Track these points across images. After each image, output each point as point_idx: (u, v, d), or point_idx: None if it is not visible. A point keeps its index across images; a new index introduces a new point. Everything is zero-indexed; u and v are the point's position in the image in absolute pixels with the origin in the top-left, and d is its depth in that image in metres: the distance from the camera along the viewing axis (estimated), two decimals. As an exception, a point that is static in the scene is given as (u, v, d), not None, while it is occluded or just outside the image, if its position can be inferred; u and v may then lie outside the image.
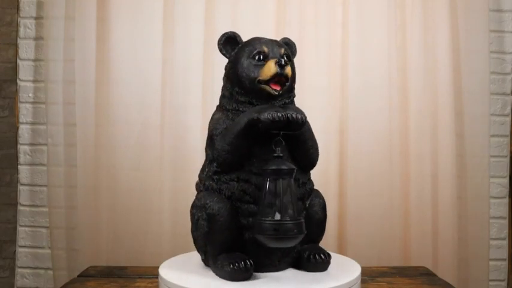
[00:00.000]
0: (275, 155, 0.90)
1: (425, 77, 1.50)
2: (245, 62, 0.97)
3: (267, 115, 0.88)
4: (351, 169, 1.48)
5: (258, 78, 0.96)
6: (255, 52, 0.97)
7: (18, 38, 1.59)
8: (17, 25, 1.59)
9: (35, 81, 1.58)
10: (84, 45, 1.49)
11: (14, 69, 1.63)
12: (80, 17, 1.49)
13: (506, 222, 1.61)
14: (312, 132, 1.00)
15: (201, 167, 1.04)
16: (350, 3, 1.50)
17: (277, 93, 0.96)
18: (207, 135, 1.01)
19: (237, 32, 1.48)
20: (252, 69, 0.96)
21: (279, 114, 0.88)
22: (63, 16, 1.50)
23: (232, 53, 1.01)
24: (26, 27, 1.58)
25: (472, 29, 1.51)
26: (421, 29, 1.50)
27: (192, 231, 1.00)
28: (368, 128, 1.49)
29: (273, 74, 0.94)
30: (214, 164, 0.96)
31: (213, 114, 1.02)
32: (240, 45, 1.01)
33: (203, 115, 1.48)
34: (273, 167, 0.88)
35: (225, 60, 1.07)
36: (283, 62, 0.94)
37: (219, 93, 1.07)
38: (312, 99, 1.47)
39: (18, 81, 1.59)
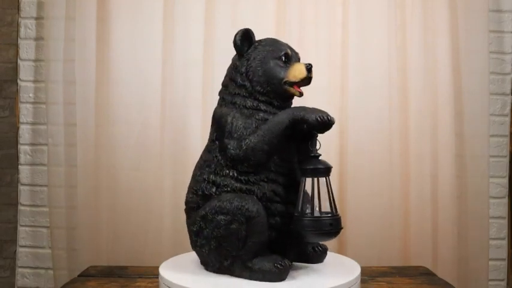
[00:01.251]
0: (312, 154, 0.94)
1: (425, 77, 1.50)
2: (271, 62, 0.98)
3: (315, 116, 0.92)
4: (350, 169, 1.48)
5: (285, 80, 0.98)
6: (281, 54, 1.00)
7: (18, 38, 1.59)
8: (18, 25, 1.59)
9: (35, 81, 1.59)
10: (84, 46, 1.49)
11: (15, 70, 1.63)
12: (80, 17, 1.49)
13: (505, 222, 1.61)
14: None
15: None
16: (350, 3, 1.50)
17: (301, 96, 1.00)
18: (214, 134, 0.98)
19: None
20: (279, 70, 0.98)
21: (326, 117, 0.93)
22: (64, 16, 1.50)
23: (249, 51, 1.01)
24: (27, 27, 1.59)
25: (471, 29, 1.51)
26: (421, 29, 1.50)
27: (205, 238, 0.94)
28: (368, 128, 1.49)
29: (303, 77, 0.98)
30: (245, 164, 0.93)
31: (220, 112, 0.99)
32: (256, 44, 1.02)
33: (203, 115, 1.48)
34: (312, 166, 0.92)
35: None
36: (311, 67, 0.99)
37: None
38: (312, 99, 1.47)
39: (18, 81, 1.59)
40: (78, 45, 1.49)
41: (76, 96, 1.49)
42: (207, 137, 1.04)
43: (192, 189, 0.99)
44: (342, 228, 0.93)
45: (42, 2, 1.55)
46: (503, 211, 1.61)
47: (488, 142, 1.54)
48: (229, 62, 1.06)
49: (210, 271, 0.98)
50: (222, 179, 0.95)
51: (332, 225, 0.90)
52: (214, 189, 0.95)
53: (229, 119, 0.96)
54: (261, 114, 0.97)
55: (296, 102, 1.06)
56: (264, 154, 0.93)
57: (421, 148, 1.50)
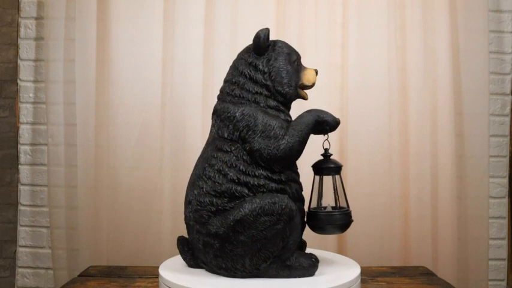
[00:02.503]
0: (325, 154, 1.02)
1: (425, 77, 1.50)
2: (289, 66, 1.01)
3: (333, 118, 0.99)
4: (350, 169, 1.48)
5: (301, 83, 1.02)
6: (295, 58, 1.03)
7: (18, 38, 1.59)
8: (18, 25, 1.59)
9: (35, 81, 1.59)
10: (84, 46, 1.49)
11: (15, 70, 1.63)
12: (80, 17, 1.49)
13: (505, 222, 1.61)
14: None
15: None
16: (350, 3, 1.50)
17: (307, 99, 1.05)
18: (236, 133, 0.96)
19: (237, 32, 1.49)
20: (296, 74, 1.02)
21: (339, 119, 1.01)
22: (64, 16, 1.50)
23: (268, 52, 1.01)
24: (27, 27, 1.59)
25: (471, 29, 1.51)
26: (421, 29, 1.50)
27: (241, 243, 0.91)
28: (368, 127, 1.49)
29: (314, 81, 1.04)
30: (282, 163, 0.95)
31: (241, 110, 0.96)
32: (272, 45, 1.02)
33: (203, 115, 1.48)
34: (326, 165, 1.01)
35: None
36: (317, 72, 1.06)
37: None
38: (312, 99, 1.47)
39: (18, 81, 1.59)
40: (78, 45, 1.49)
41: (76, 96, 1.49)
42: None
43: (213, 192, 0.94)
44: (351, 221, 1.03)
45: (42, 2, 1.55)
46: (503, 211, 1.61)
47: (488, 142, 1.54)
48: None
49: (239, 277, 0.94)
50: (255, 180, 0.93)
51: (343, 219, 1.01)
52: (247, 190, 0.93)
53: (260, 119, 0.95)
54: (282, 115, 0.99)
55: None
56: (298, 154, 0.97)
57: (421, 148, 1.50)
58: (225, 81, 1.02)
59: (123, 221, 1.49)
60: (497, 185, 1.60)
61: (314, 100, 1.47)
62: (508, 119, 1.61)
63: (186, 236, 1.03)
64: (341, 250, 1.49)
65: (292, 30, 1.49)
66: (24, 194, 1.59)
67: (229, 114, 0.97)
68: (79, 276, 1.29)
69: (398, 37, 1.51)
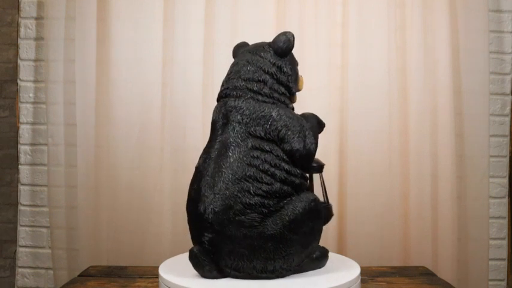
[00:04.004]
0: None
1: (425, 77, 1.50)
2: (297, 70, 1.06)
3: (323, 122, 1.07)
4: (350, 169, 1.48)
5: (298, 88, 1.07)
6: (297, 64, 1.08)
7: (18, 38, 1.59)
8: (18, 25, 1.59)
9: (35, 81, 1.59)
10: (84, 46, 1.49)
11: (15, 70, 1.63)
12: (80, 17, 1.49)
13: (505, 222, 1.61)
14: None
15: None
16: (350, 3, 1.50)
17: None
18: (273, 133, 0.95)
19: (237, 32, 1.49)
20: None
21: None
22: (64, 16, 1.50)
23: (289, 55, 1.04)
24: (27, 27, 1.59)
25: (471, 29, 1.51)
26: (421, 29, 1.50)
27: (295, 242, 0.92)
28: (368, 127, 1.49)
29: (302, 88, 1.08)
30: (310, 162, 0.99)
31: (276, 110, 0.97)
32: None
33: (203, 115, 1.48)
34: (318, 164, 1.05)
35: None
36: None
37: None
38: (312, 99, 1.48)
39: (18, 81, 1.59)
40: (78, 45, 1.49)
41: (76, 96, 1.49)
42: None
43: (264, 193, 0.91)
44: (332, 215, 1.06)
45: (42, 2, 1.55)
46: (503, 211, 1.61)
47: (488, 142, 1.54)
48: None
49: (284, 277, 0.94)
50: (296, 179, 0.95)
51: (327, 212, 1.04)
52: (291, 189, 0.94)
53: (295, 119, 0.98)
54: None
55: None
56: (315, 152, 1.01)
57: (421, 148, 1.50)
58: (245, 79, 0.99)
59: (123, 221, 1.49)
60: (497, 185, 1.60)
61: (314, 100, 1.48)
62: (508, 119, 1.61)
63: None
64: (341, 250, 1.49)
65: (292, 30, 1.48)
66: (24, 194, 1.59)
67: (264, 113, 0.96)
68: (79, 276, 1.29)
69: (398, 37, 1.51)
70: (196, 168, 0.97)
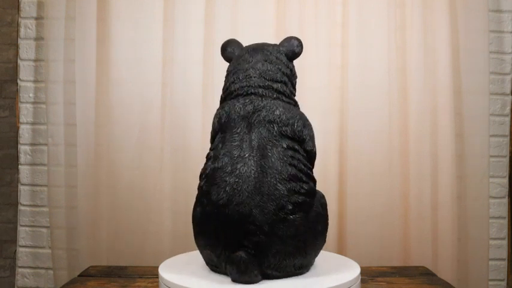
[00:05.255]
0: None
1: (425, 77, 1.50)
2: None
3: None
4: (350, 169, 1.48)
5: None
6: None
7: (18, 38, 1.59)
8: (18, 25, 1.59)
9: (35, 81, 1.59)
10: (84, 46, 1.49)
11: (15, 70, 1.63)
12: (80, 17, 1.49)
13: (505, 222, 1.61)
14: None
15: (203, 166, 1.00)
16: (350, 3, 1.50)
17: None
18: (304, 135, 0.98)
19: (237, 32, 1.49)
20: None
21: None
22: (64, 16, 1.50)
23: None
24: (27, 27, 1.59)
25: (471, 29, 1.51)
26: (421, 29, 1.50)
27: (320, 234, 0.97)
28: (368, 127, 1.49)
29: None
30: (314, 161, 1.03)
31: (301, 112, 1.01)
32: None
33: (203, 115, 1.48)
34: None
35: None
36: None
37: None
38: (312, 99, 1.48)
39: (18, 81, 1.59)
40: (78, 45, 1.49)
41: (76, 96, 1.49)
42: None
43: (307, 193, 0.93)
44: None
45: (42, 2, 1.55)
46: (503, 211, 1.61)
47: (488, 142, 1.54)
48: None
49: (307, 272, 0.97)
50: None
51: None
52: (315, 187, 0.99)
53: (308, 121, 1.02)
54: None
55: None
56: None
57: (421, 148, 1.50)
58: (269, 79, 1.00)
59: (123, 221, 1.49)
60: (497, 185, 1.60)
61: (314, 100, 1.48)
62: (508, 119, 1.61)
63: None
64: (341, 250, 1.49)
65: (292, 30, 1.49)
66: (24, 194, 1.59)
67: (292, 114, 0.97)
68: (79, 276, 1.29)
69: (398, 37, 1.51)
70: (219, 168, 0.92)
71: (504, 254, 1.60)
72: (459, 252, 1.50)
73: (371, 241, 1.48)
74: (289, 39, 1.06)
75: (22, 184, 1.59)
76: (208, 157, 0.98)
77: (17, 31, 1.59)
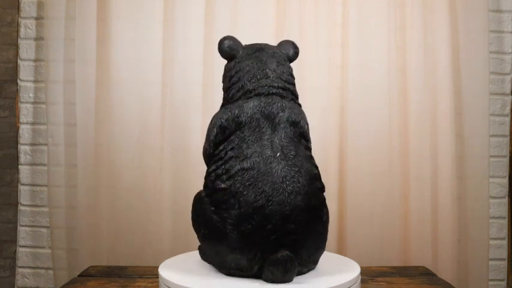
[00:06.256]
0: None
1: (425, 77, 1.50)
2: None
3: None
4: (350, 169, 1.48)
5: None
6: None
7: (18, 38, 1.59)
8: (18, 25, 1.59)
9: (35, 81, 1.59)
10: (84, 46, 1.49)
11: (15, 70, 1.63)
12: (80, 17, 1.49)
13: (505, 222, 1.61)
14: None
15: (207, 167, 1.00)
16: (350, 3, 1.50)
17: None
18: (305, 132, 1.01)
19: (237, 32, 1.49)
20: None
21: None
22: (64, 16, 1.50)
23: None
24: (27, 27, 1.59)
25: (471, 29, 1.51)
26: (421, 29, 1.50)
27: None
28: (368, 127, 1.49)
29: None
30: None
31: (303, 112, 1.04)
32: None
33: (203, 115, 1.48)
34: None
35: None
36: None
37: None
38: (312, 99, 1.48)
39: (18, 81, 1.59)
40: (78, 45, 1.49)
41: (76, 96, 1.49)
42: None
43: (324, 189, 0.99)
44: None
45: (42, 2, 1.55)
46: (503, 211, 1.61)
47: (488, 142, 1.54)
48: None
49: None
50: None
51: None
52: None
53: None
54: None
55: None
56: None
57: (421, 148, 1.50)
58: (285, 80, 1.01)
59: (123, 221, 1.49)
60: (497, 185, 1.60)
61: (314, 100, 1.48)
62: (508, 119, 1.61)
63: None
64: (341, 250, 1.49)
65: (292, 30, 1.49)
66: (24, 194, 1.59)
67: (303, 116, 1.01)
68: (79, 276, 1.29)
69: (398, 37, 1.51)
70: (250, 168, 0.90)
71: (504, 254, 1.60)
72: (459, 253, 1.50)
73: (371, 241, 1.48)
74: (289, 43, 1.07)
75: (22, 184, 1.59)
76: (226, 157, 0.94)
77: (17, 31, 1.59)
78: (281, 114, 0.96)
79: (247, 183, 0.89)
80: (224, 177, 0.92)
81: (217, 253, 0.93)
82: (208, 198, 0.94)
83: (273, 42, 1.15)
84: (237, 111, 0.96)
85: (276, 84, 0.99)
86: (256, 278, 0.90)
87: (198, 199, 0.99)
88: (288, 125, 0.96)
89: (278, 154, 0.92)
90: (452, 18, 1.51)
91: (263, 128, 0.94)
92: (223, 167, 0.93)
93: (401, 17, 1.51)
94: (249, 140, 0.94)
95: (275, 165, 0.90)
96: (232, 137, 0.95)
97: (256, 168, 0.90)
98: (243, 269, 0.91)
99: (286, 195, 0.89)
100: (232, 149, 0.94)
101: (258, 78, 0.98)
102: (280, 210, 0.88)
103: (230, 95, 1.00)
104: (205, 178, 0.98)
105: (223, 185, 0.91)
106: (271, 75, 0.99)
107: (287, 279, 0.88)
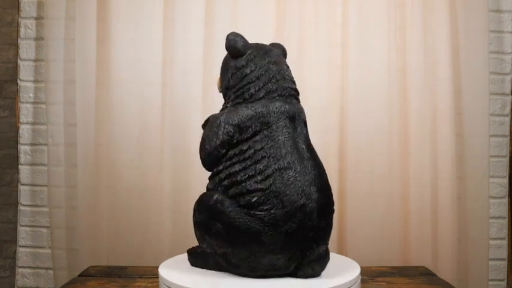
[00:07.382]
0: None
1: (425, 77, 1.50)
2: None
3: None
4: (350, 169, 1.48)
5: None
6: None
7: (18, 38, 1.59)
8: (18, 25, 1.59)
9: (35, 81, 1.59)
10: (84, 46, 1.49)
11: (15, 70, 1.63)
12: (80, 17, 1.49)
13: (505, 222, 1.61)
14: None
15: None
16: (350, 3, 1.50)
17: None
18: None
19: (237, 32, 1.49)
20: None
21: None
22: (64, 16, 1.50)
23: None
24: (27, 27, 1.59)
25: (471, 29, 1.51)
26: (421, 29, 1.50)
27: None
28: (368, 128, 1.49)
29: None
30: None
31: None
32: None
33: (203, 115, 1.48)
34: None
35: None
36: None
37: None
38: (312, 99, 1.48)
39: (18, 81, 1.59)
40: (78, 45, 1.49)
41: (76, 96, 1.49)
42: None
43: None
44: None
45: (42, 2, 1.55)
46: (503, 211, 1.61)
47: (488, 142, 1.54)
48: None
49: None
50: None
51: None
52: None
53: None
54: None
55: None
56: None
57: (421, 148, 1.50)
58: (294, 83, 1.04)
59: (123, 221, 1.49)
60: (497, 185, 1.60)
61: (314, 100, 1.48)
62: (508, 119, 1.61)
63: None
64: (341, 250, 1.49)
65: (292, 30, 1.49)
66: (24, 194, 1.59)
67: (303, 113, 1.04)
68: (79, 276, 1.29)
69: (398, 37, 1.51)
70: (287, 168, 0.91)
71: (504, 254, 1.60)
72: (459, 253, 1.50)
73: (371, 241, 1.48)
74: (277, 46, 1.08)
75: (22, 184, 1.59)
76: (256, 156, 0.92)
77: (17, 31, 1.59)
78: (299, 115, 1.00)
79: (288, 183, 0.90)
80: (259, 177, 0.90)
81: (248, 257, 0.90)
82: (234, 200, 0.91)
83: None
84: (263, 110, 0.95)
85: (293, 86, 1.02)
86: (290, 276, 0.93)
87: (214, 202, 0.93)
88: (303, 126, 1.00)
89: (305, 154, 0.95)
90: (452, 18, 1.51)
91: (289, 128, 0.96)
92: (253, 167, 0.91)
93: (401, 17, 1.51)
94: (279, 140, 0.94)
95: (308, 163, 0.94)
96: (258, 137, 0.94)
97: (293, 167, 0.91)
98: (280, 268, 0.91)
99: (319, 192, 0.92)
100: (262, 148, 0.93)
101: (277, 79, 0.99)
102: (316, 207, 0.91)
103: (248, 94, 0.97)
104: (222, 179, 0.94)
105: (260, 186, 0.90)
106: (287, 77, 1.01)
107: (321, 272, 0.94)
